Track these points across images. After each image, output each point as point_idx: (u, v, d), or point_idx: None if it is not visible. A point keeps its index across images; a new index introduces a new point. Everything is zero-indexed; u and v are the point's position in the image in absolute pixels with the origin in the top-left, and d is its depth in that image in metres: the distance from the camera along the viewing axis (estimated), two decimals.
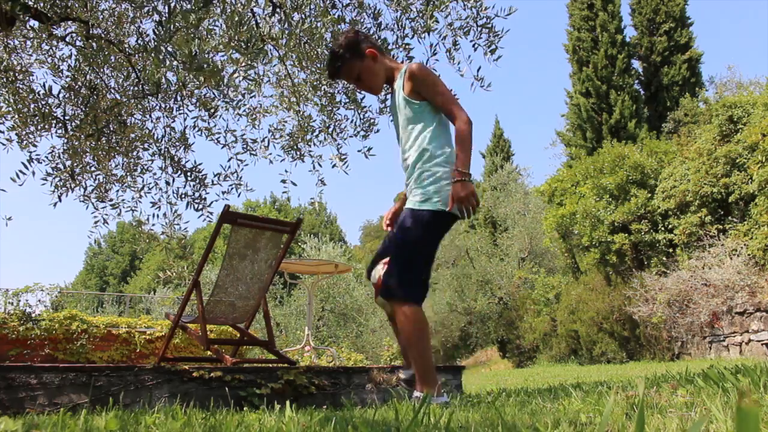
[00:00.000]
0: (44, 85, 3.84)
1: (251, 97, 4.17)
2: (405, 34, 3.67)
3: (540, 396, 2.15)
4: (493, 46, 3.45)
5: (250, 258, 3.59)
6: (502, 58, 3.48)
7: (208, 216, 4.17)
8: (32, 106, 3.75)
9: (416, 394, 2.32)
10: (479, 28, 3.45)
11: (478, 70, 3.49)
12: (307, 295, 9.08)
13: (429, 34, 3.57)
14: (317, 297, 15.61)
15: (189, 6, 2.90)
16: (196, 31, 2.85)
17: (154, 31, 2.75)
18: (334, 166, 4.16)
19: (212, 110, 3.96)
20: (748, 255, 11.09)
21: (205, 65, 2.21)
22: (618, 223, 13.84)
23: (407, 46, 3.71)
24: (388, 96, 2.75)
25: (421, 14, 3.52)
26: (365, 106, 4.10)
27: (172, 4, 2.88)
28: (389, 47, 3.71)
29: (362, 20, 3.74)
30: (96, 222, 4.19)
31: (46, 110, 3.69)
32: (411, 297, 2.32)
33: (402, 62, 2.63)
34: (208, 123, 4.22)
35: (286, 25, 3.44)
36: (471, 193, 2.29)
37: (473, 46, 3.50)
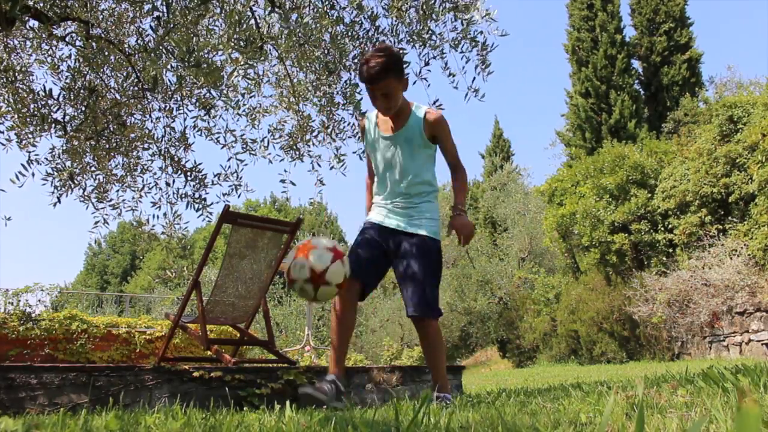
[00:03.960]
0: (44, 87, 3.84)
1: (251, 97, 4.17)
2: (400, 39, 3.69)
3: (540, 396, 2.15)
4: (486, 61, 3.48)
5: (250, 258, 3.59)
6: (501, 57, 3.51)
7: (208, 216, 4.17)
8: (32, 106, 3.75)
9: (443, 395, 2.57)
10: (469, 42, 3.48)
11: (473, 81, 3.55)
12: None
13: (425, 47, 3.59)
14: None
15: (187, 4, 2.90)
16: (195, 29, 2.85)
17: (151, 26, 2.76)
18: (332, 168, 4.18)
19: (210, 108, 3.96)
20: (748, 255, 11.09)
21: (204, 64, 2.21)
22: (618, 223, 13.84)
23: (402, 51, 3.72)
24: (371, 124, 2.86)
25: (417, 21, 3.54)
26: (365, 111, 4.10)
27: (171, 2, 2.88)
28: None
29: (360, 21, 3.74)
30: (96, 222, 4.18)
31: (46, 111, 3.69)
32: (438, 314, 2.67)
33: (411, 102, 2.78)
34: (208, 123, 4.22)
35: (285, 26, 3.44)
36: (472, 225, 2.70)
37: (463, 58, 3.54)
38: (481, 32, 3.43)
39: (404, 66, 2.71)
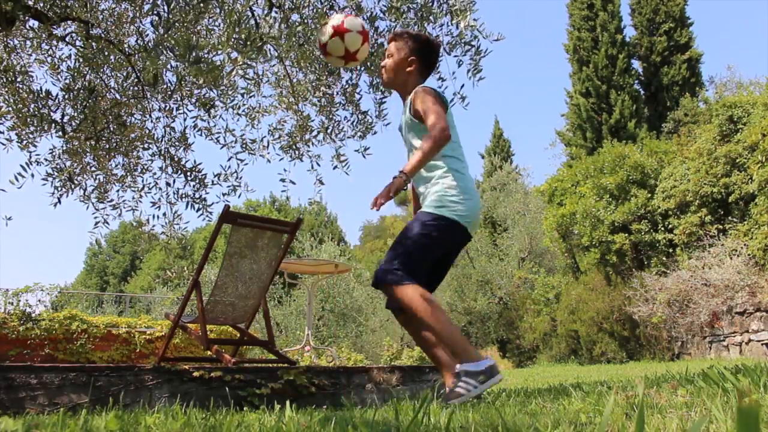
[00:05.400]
0: (41, 89, 3.83)
1: (250, 97, 4.17)
2: None
3: (540, 396, 2.15)
4: (477, 67, 3.49)
5: (250, 258, 3.59)
6: (501, 57, 3.53)
7: (207, 216, 4.17)
8: (32, 106, 3.75)
9: (456, 368, 2.31)
10: (464, 45, 3.49)
11: (461, 87, 3.61)
12: (307, 295, 9.07)
13: None
14: (317, 297, 15.61)
15: (188, 3, 2.90)
16: (194, 28, 2.86)
17: (152, 23, 2.76)
18: (335, 168, 4.18)
19: (209, 107, 3.96)
20: (748, 255, 11.09)
21: (204, 64, 2.21)
22: (618, 223, 13.83)
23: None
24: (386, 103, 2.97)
25: (415, 23, 3.54)
26: (365, 111, 4.11)
27: (171, 1, 2.88)
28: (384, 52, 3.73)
29: None
30: (96, 223, 4.18)
31: (45, 112, 3.69)
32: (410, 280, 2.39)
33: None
34: (208, 123, 4.22)
35: (284, 26, 3.44)
36: (390, 187, 2.35)
37: (458, 62, 3.55)
38: (476, 37, 3.44)
39: (418, 46, 2.71)
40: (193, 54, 2.16)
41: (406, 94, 2.70)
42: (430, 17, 3.43)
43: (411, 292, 2.35)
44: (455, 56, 3.55)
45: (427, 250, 2.50)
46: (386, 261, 2.46)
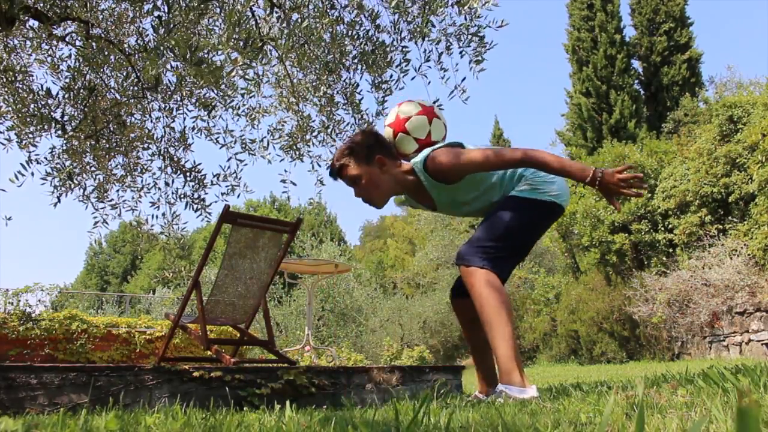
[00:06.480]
0: (42, 87, 3.83)
1: (250, 97, 4.17)
2: (402, 37, 3.67)
3: (540, 396, 2.15)
4: (480, 57, 3.43)
5: (250, 258, 3.59)
6: (501, 57, 3.49)
7: (207, 216, 4.16)
8: (32, 106, 3.75)
9: (498, 387, 2.10)
10: (470, 36, 3.43)
11: (462, 80, 3.51)
12: (307, 295, 9.07)
13: (423, 40, 3.56)
14: (317, 297, 15.60)
15: (188, 3, 2.90)
16: (195, 28, 2.85)
17: (152, 25, 2.75)
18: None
19: (210, 107, 3.96)
20: (748, 255, 11.09)
21: (204, 64, 2.21)
22: (618, 223, 13.84)
23: (404, 49, 3.70)
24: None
25: (419, 16, 3.52)
26: (363, 110, 4.10)
27: (171, 2, 2.88)
28: (387, 49, 3.70)
29: (360, 21, 3.73)
30: (96, 222, 4.18)
31: (45, 111, 3.69)
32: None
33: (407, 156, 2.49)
34: (208, 123, 4.22)
35: (285, 26, 3.43)
36: (614, 178, 2.21)
37: (460, 53, 3.49)
38: (480, 26, 3.39)
39: (363, 145, 2.36)
40: (195, 56, 2.16)
41: (413, 186, 2.39)
42: (432, 7, 3.38)
43: (486, 279, 2.15)
44: (460, 48, 3.49)
45: (525, 236, 2.33)
46: (468, 243, 2.27)
